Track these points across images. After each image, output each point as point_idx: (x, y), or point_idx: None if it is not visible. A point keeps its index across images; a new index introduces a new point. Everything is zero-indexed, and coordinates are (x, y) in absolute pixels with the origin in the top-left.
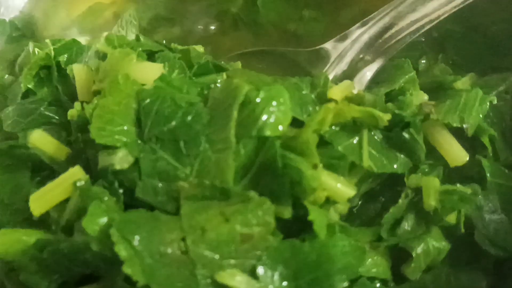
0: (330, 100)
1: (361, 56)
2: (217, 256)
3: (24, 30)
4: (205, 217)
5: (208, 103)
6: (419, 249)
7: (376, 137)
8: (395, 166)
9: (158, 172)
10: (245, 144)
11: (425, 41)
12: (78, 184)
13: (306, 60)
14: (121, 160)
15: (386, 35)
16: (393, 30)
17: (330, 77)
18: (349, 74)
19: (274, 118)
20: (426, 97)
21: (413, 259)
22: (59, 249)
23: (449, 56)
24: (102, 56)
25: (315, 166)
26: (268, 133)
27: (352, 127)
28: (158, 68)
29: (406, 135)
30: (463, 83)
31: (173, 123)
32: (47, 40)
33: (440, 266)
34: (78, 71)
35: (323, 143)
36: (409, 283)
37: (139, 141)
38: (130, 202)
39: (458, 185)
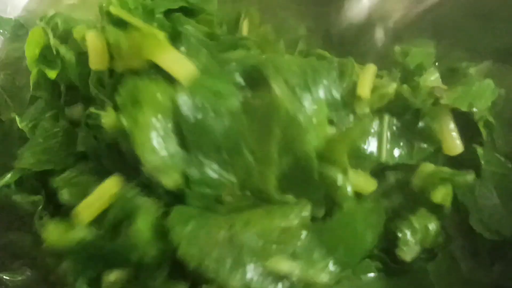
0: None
1: None
2: (261, 242)
3: (30, 28)
4: (249, 213)
5: (244, 106)
6: (404, 229)
7: (394, 127)
8: (410, 156)
9: (206, 181)
10: (286, 159)
11: (440, 25)
12: (119, 193)
13: None
14: (168, 178)
15: None
16: None
17: None
18: None
19: (313, 134)
20: (439, 81)
21: (400, 239)
22: (104, 248)
23: (465, 41)
24: (118, 23)
25: (345, 171)
26: (308, 150)
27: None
28: (191, 68)
29: (421, 123)
30: (477, 70)
31: (215, 135)
32: (37, 21)
33: (442, 256)
34: (92, 40)
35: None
36: (412, 273)
37: (184, 152)
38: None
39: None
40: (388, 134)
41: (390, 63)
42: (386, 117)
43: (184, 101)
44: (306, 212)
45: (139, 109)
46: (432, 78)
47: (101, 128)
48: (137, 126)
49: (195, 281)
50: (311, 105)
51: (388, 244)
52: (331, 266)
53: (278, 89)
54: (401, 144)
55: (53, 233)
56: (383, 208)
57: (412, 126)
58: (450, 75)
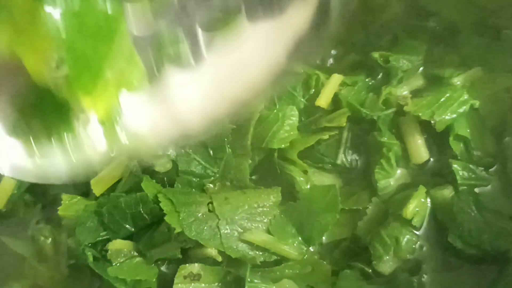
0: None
1: None
2: (237, 216)
3: None
4: (227, 191)
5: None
6: (375, 243)
7: (352, 134)
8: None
9: (192, 171)
10: (258, 153)
11: (439, 28)
12: (130, 166)
13: None
14: (161, 164)
15: None
16: None
17: None
18: None
19: (280, 134)
20: (406, 91)
21: (372, 253)
22: (118, 203)
23: (461, 49)
24: None
25: (305, 172)
26: (274, 146)
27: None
28: None
29: (372, 134)
30: (461, 79)
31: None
32: None
33: (427, 269)
34: None
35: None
36: (397, 284)
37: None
38: None
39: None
40: (347, 140)
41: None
42: (347, 125)
43: None
44: (278, 197)
45: None
46: (405, 86)
47: None
48: None
49: None
50: (278, 111)
51: (368, 257)
52: (300, 243)
53: None
54: (359, 150)
55: (66, 203)
56: (338, 194)
57: (367, 135)
58: (432, 81)
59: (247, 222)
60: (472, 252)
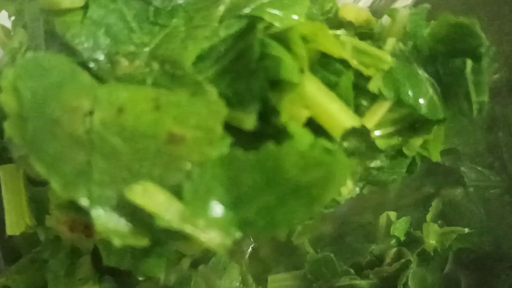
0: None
1: None
2: (127, 151)
3: None
4: (131, 95)
5: None
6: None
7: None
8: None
9: (108, 25)
10: (228, 26)
11: None
12: None
13: None
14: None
15: None
16: None
17: None
18: None
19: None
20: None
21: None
22: None
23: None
24: None
25: (301, 70)
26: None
27: None
28: None
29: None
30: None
31: None
32: None
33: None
34: None
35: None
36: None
37: None
38: None
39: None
40: None
41: None
42: None
43: None
44: (216, 124)
45: None
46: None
47: None
48: None
49: None
50: None
51: None
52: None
53: None
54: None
55: None
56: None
57: None
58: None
59: (142, 164)
60: (478, 250)
